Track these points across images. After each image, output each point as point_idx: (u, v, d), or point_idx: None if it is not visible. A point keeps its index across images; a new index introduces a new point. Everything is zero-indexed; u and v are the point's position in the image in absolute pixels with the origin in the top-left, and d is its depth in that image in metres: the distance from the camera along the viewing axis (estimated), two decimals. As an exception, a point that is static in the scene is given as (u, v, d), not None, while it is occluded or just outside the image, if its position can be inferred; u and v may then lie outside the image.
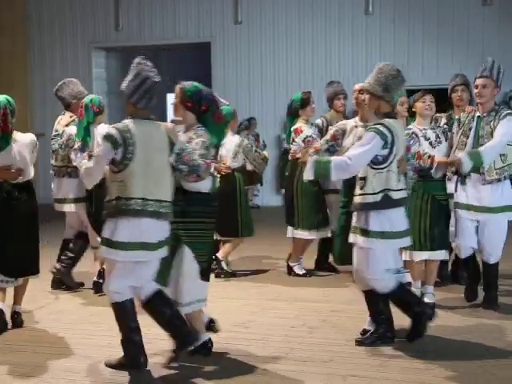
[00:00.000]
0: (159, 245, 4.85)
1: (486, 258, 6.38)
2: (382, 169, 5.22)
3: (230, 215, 7.78)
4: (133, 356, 4.87)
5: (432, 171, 6.19)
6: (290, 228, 7.98)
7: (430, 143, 6.25)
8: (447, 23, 14.17)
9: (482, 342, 5.46)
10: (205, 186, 5.04)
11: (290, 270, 7.99)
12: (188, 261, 5.02)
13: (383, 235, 5.24)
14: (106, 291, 4.92)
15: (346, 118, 7.53)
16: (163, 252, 4.91)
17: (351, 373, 4.85)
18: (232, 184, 7.86)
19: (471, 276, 6.56)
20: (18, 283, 6.04)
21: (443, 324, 5.88)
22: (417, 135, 6.22)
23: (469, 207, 6.25)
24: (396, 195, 5.26)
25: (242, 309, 6.60)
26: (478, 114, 6.21)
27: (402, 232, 5.34)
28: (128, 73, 5.07)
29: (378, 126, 5.22)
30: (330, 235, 7.71)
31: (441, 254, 6.36)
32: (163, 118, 18.33)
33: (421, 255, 6.29)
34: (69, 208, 7.37)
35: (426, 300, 6.28)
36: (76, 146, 6.95)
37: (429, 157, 6.16)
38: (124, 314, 4.87)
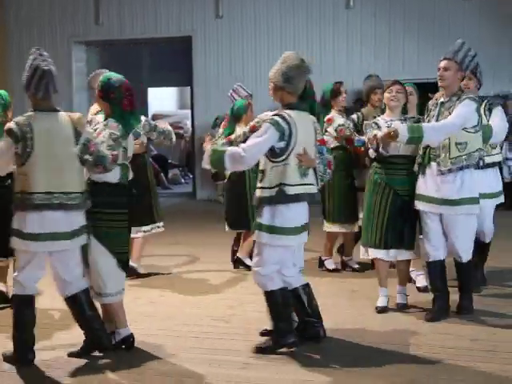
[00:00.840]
0: (74, 234, 4.89)
1: (456, 257, 5.99)
2: (279, 162, 4.99)
3: (241, 207, 7.80)
4: (21, 351, 4.94)
5: (381, 151, 5.91)
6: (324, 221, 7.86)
7: None
8: (428, 17, 14.20)
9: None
10: (113, 176, 5.05)
11: (322, 264, 7.91)
12: (97, 252, 5.07)
13: (272, 230, 5.03)
14: (14, 282, 4.96)
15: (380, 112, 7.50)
16: (80, 241, 4.96)
17: (336, 366, 4.86)
18: (242, 176, 7.75)
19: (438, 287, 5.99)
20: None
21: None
22: (378, 126, 6.05)
23: (430, 199, 5.85)
24: (292, 190, 5.00)
25: (221, 303, 6.58)
26: (441, 99, 5.89)
27: (293, 229, 5.07)
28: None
29: (274, 117, 5.01)
30: (356, 230, 7.60)
31: (401, 254, 6.08)
32: (146, 112, 18.28)
33: (377, 253, 6.10)
34: None
35: (398, 300, 6.17)
36: None
37: (374, 136, 5.95)
38: (23, 307, 4.93)
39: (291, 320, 5.27)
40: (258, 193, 5.13)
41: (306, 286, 5.34)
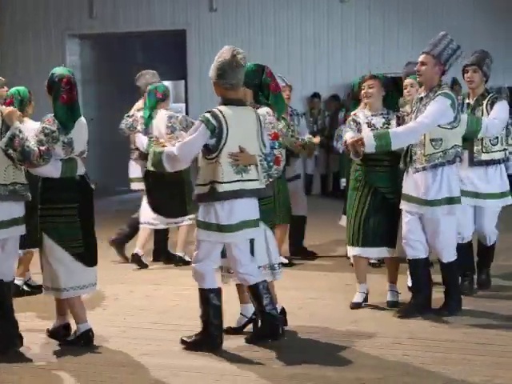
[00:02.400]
0: (12, 222, 5.02)
1: (439, 256, 5.87)
2: (212, 159, 4.93)
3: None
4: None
5: (352, 157, 5.83)
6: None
7: (372, 130, 5.85)
8: (422, 10, 14.20)
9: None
10: (54, 171, 5.07)
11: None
12: (48, 247, 5.13)
13: (207, 227, 5.00)
14: None
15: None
16: (19, 229, 5.10)
17: (329, 360, 4.86)
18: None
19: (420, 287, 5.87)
20: None
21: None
22: (358, 122, 5.98)
23: (409, 198, 5.72)
24: (225, 187, 4.90)
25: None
26: (421, 94, 5.76)
27: (230, 226, 4.96)
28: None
29: (205, 114, 4.95)
30: None
31: (382, 252, 6.02)
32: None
33: (353, 250, 6.03)
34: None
35: (388, 297, 6.11)
36: (139, 128, 7.74)
37: (345, 142, 5.84)
38: None
39: (220, 322, 5.16)
40: (195, 190, 5.11)
41: (265, 281, 5.16)
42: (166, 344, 5.27)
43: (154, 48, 17.33)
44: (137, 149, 8.01)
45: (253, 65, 5.49)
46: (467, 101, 6.37)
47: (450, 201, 5.66)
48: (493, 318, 5.73)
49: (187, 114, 16.28)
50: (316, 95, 14.30)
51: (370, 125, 5.93)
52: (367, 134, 5.62)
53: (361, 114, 6.06)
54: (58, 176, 5.10)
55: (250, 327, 5.45)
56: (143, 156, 7.69)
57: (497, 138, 6.27)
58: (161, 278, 7.49)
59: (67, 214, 5.15)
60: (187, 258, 7.77)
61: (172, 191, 7.59)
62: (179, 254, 8.00)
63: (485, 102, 6.29)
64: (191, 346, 5.14)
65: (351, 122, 6.01)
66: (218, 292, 5.16)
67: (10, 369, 4.83)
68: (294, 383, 4.52)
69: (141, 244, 7.95)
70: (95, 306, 5.89)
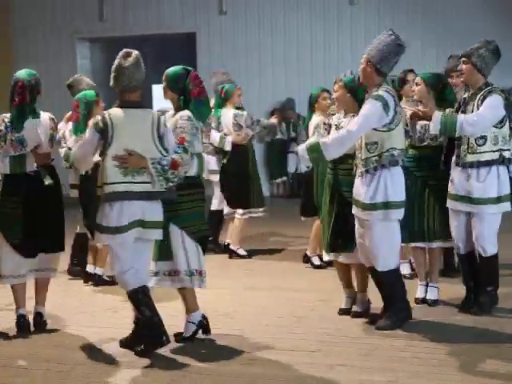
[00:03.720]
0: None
1: (373, 263, 5.51)
2: (103, 161, 5.00)
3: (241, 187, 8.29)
4: None
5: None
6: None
7: None
8: (432, 13, 14.18)
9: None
10: (2, 167, 5.55)
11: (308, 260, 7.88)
12: None
13: (103, 229, 4.99)
14: None
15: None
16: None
17: (338, 362, 4.85)
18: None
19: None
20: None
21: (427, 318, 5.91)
22: (330, 125, 5.88)
23: (355, 202, 5.51)
24: (108, 189, 4.90)
25: (226, 298, 6.59)
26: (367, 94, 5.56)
27: (116, 228, 4.93)
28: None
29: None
30: None
31: (348, 257, 5.76)
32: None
33: (327, 256, 5.96)
34: None
35: (342, 304, 5.93)
36: (212, 125, 8.36)
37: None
38: None
39: (158, 318, 5.05)
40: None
41: (144, 287, 5.08)
42: (175, 345, 5.27)
43: (164, 51, 17.36)
44: (211, 144, 8.41)
45: (180, 68, 5.48)
46: (464, 95, 5.87)
47: (386, 206, 5.36)
48: (506, 320, 5.70)
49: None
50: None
51: (338, 127, 5.73)
52: (301, 147, 5.43)
53: (335, 116, 5.95)
54: (7, 171, 5.58)
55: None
56: (217, 150, 8.45)
57: (484, 137, 5.62)
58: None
59: (11, 206, 5.58)
60: (241, 252, 8.42)
61: (239, 184, 8.29)
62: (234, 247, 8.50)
63: (477, 97, 5.69)
64: (134, 348, 5.08)
65: (322, 125, 5.98)
66: (145, 289, 5.07)
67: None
68: (304, 385, 4.53)
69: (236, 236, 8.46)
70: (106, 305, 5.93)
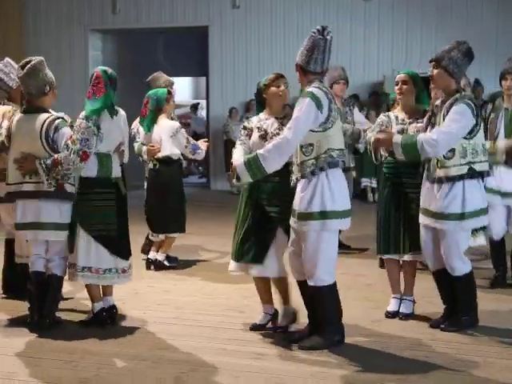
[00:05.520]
0: None
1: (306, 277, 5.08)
2: None
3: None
4: None
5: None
6: None
7: (261, 136, 5.25)
8: (446, 9, 14.12)
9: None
10: None
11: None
12: None
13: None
14: None
15: None
16: None
17: (347, 359, 4.84)
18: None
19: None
20: None
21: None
22: (249, 129, 5.37)
23: (292, 212, 5.07)
24: (9, 189, 5.56)
25: (235, 293, 6.59)
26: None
27: (19, 224, 5.51)
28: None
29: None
30: None
31: (261, 271, 5.27)
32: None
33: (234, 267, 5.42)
34: None
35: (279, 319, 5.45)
36: None
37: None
38: None
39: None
40: None
41: (55, 275, 5.60)
42: (185, 338, 5.28)
43: (176, 44, 17.38)
44: None
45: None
46: (437, 102, 5.41)
47: (323, 215, 4.87)
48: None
49: (208, 110, 16.31)
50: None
51: (260, 129, 5.29)
52: (239, 163, 4.90)
53: (255, 118, 5.46)
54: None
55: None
56: None
57: (452, 150, 5.15)
58: (180, 273, 7.50)
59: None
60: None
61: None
62: None
63: (444, 106, 5.24)
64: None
65: (241, 130, 5.48)
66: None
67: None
68: (313, 381, 4.52)
69: None
70: (115, 300, 5.89)
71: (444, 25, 13.99)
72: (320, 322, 5.07)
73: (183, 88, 22.96)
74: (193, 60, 17.28)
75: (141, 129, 7.44)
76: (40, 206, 5.39)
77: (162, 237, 7.57)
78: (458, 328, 5.37)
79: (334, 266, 5.04)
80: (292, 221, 5.02)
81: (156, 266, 7.58)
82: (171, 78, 7.88)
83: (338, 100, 7.71)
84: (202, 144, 7.46)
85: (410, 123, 5.64)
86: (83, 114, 5.38)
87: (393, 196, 5.71)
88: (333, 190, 4.88)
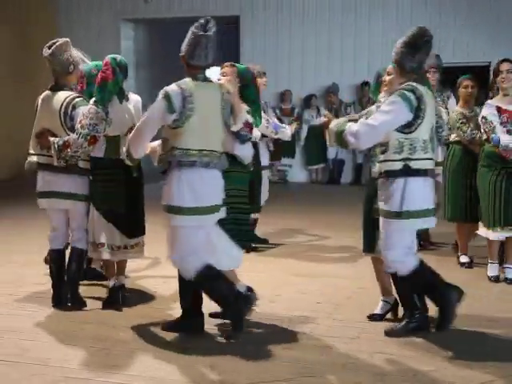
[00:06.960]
0: None
1: None
2: None
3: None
4: None
5: None
6: None
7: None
8: (479, 3, 14.00)
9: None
10: None
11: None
12: None
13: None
14: None
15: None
16: None
17: (377, 350, 4.84)
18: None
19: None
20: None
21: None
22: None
23: None
24: (33, 158, 5.78)
25: (267, 282, 6.60)
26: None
27: (61, 193, 5.68)
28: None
29: None
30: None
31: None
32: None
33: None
34: None
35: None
36: None
37: None
38: None
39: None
40: None
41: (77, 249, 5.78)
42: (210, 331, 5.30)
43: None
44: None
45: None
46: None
47: (170, 210, 4.90)
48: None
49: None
50: (366, 84, 13.98)
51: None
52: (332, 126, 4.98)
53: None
54: None
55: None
56: None
57: (385, 144, 4.91)
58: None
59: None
60: None
61: None
62: None
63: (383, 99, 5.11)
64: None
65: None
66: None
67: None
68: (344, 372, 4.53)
69: None
70: (146, 288, 5.97)
71: (476, 15, 13.85)
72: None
73: (214, 78, 23.00)
74: (224, 49, 17.19)
75: None
76: (57, 177, 5.63)
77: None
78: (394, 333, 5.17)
79: (197, 255, 4.93)
80: None
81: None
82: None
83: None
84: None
85: None
86: (93, 99, 5.54)
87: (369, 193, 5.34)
88: (199, 185, 4.86)
